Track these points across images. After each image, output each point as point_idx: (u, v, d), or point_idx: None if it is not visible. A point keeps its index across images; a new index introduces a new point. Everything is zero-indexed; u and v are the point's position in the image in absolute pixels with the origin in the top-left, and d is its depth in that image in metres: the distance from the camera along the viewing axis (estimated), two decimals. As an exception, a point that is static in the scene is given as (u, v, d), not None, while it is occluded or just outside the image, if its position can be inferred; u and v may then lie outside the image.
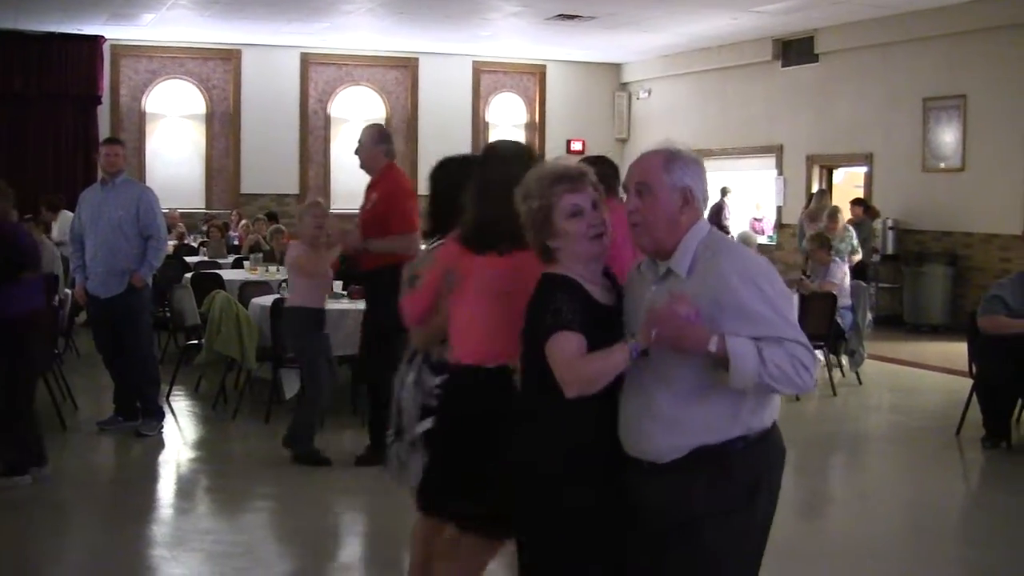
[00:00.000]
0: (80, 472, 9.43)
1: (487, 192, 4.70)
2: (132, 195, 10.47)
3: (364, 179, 9.30)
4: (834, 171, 21.51)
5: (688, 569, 3.89)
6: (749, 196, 23.34)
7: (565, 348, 3.91)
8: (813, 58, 20.94)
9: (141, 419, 10.51)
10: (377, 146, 9.31)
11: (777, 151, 22.02)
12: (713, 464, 3.85)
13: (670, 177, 3.91)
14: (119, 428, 10.45)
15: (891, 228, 18.83)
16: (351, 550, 7.74)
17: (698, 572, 3.89)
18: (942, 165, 18.22)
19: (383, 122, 24.74)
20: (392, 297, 9.00)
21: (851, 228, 16.54)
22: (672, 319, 3.72)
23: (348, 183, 23.77)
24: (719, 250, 3.92)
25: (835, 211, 16.37)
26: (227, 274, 14.02)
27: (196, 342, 11.82)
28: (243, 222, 20.67)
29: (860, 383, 13.29)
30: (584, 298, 4.04)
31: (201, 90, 23.95)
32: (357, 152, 9.39)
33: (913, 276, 17.95)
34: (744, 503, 3.89)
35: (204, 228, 20.79)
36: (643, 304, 3.94)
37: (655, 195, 3.90)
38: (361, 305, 11.26)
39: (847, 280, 13.39)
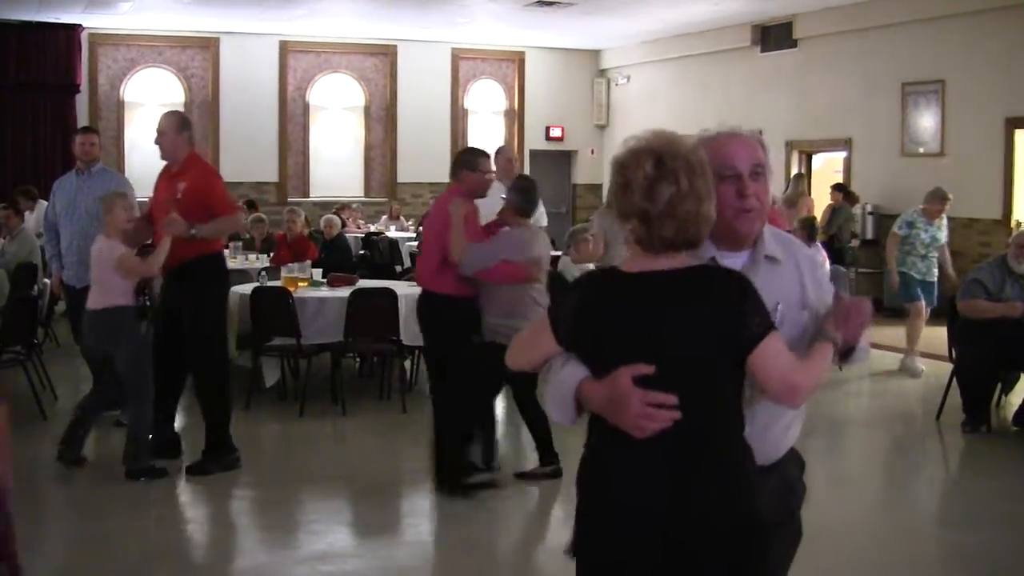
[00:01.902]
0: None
1: None
2: (108, 184, 10.35)
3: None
4: (813, 156, 21.55)
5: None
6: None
7: (785, 350, 3.39)
8: (792, 43, 20.97)
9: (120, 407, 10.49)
10: (180, 134, 9.16)
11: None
12: (795, 463, 3.83)
13: (767, 158, 3.75)
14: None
15: (870, 213, 18.86)
16: (332, 538, 7.73)
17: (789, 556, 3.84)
18: (921, 150, 18.26)
19: (362, 110, 24.76)
20: (214, 286, 9.06)
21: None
22: (867, 313, 3.53)
23: (327, 171, 23.83)
24: (779, 234, 3.79)
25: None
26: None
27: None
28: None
29: (839, 368, 13.30)
30: None
31: (180, 78, 23.88)
32: (157, 141, 9.22)
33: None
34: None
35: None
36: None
37: (766, 177, 3.70)
38: (342, 293, 11.28)
39: (827, 265, 13.41)
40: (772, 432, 3.64)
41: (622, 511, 3.37)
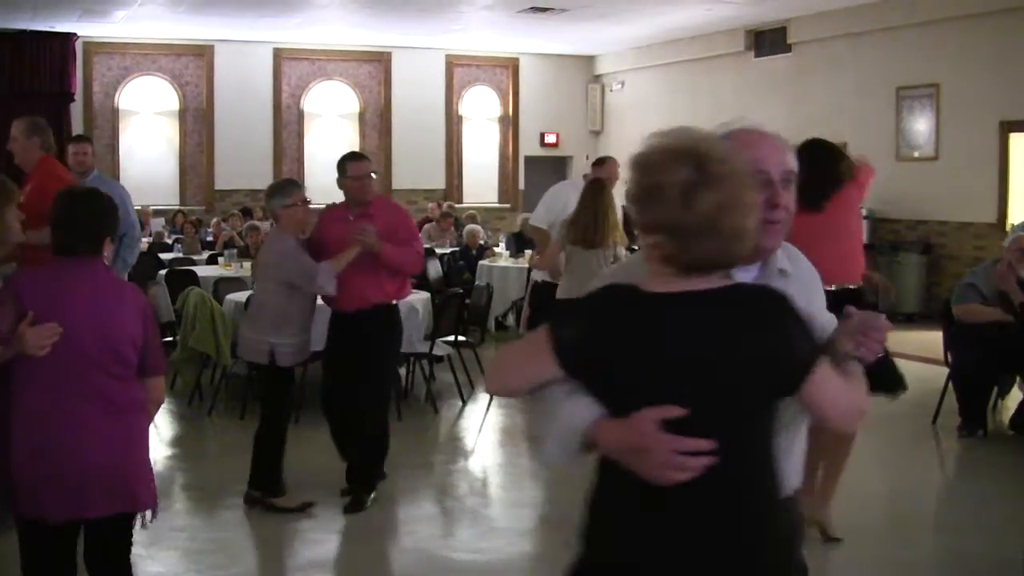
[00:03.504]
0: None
1: None
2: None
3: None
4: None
5: None
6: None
7: (835, 373, 2.98)
8: (786, 48, 20.98)
9: None
10: (31, 139, 8.94)
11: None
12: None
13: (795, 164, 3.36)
14: None
15: (866, 217, 18.84)
16: (327, 547, 7.72)
17: None
18: (915, 154, 18.26)
19: (356, 116, 24.77)
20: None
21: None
22: (885, 329, 3.12)
23: (322, 178, 23.66)
24: (784, 244, 3.40)
25: None
26: (201, 270, 14.00)
27: (171, 339, 11.77)
28: (215, 219, 20.64)
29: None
30: None
31: (174, 86, 23.87)
32: (9, 147, 9.03)
33: (887, 265, 17.98)
34: None
35: (170, 225, 20.81)
36: None
37: (795, 185, 3.32)
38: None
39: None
40: (790, 461, 3.25)
41: None
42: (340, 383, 8.46)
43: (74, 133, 21.52)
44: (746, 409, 2.87)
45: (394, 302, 8.51)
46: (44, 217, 8.16)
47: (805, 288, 3.34)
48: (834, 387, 2.94)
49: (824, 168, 7.74)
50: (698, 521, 2.85)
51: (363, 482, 8.39)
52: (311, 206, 8.47)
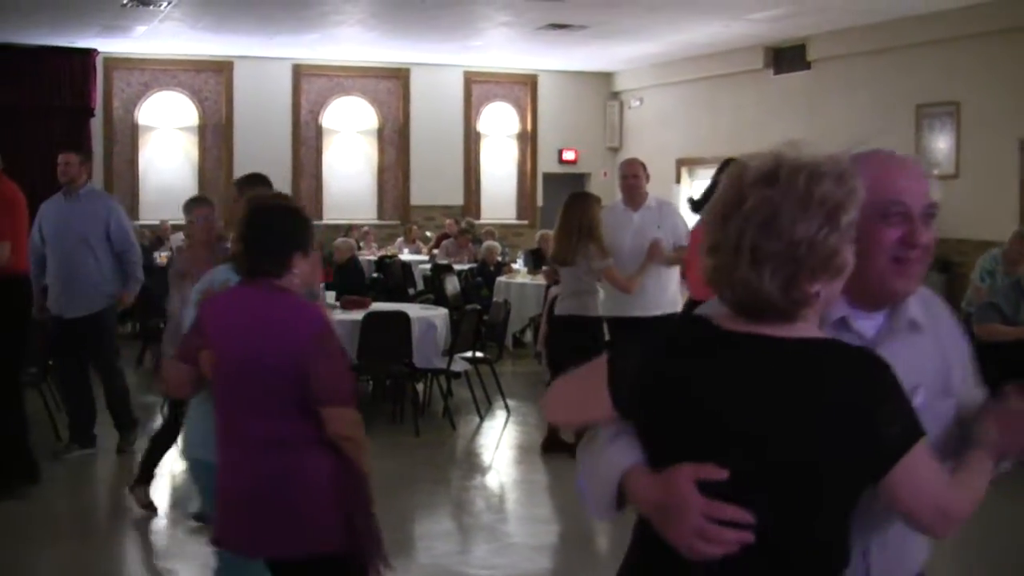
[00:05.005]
0: (74, 482, 9.40)
1: None
2: (100, 209, 10.03)
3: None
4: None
5: None
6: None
7: (934, 465, 2.51)
8: (805, 65, 20.93)
9: (119, 435, 10.35)
10: None
11: (770, 159, 21.95)
12: None
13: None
14: (78, 456, 10.12)
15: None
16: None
17: None
18: (935, 172, 18.13)
19: (375, 133, 24.77)
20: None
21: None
22: None
23: (340, 194, 23.85)
24: (921, 291, 2.92)
25: None
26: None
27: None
28: (232, 234, 20.63)
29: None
30: None
31: (194, 102, 23.90)
32: None
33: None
34: None
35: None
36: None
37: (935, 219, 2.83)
38: (355, 315, 11.28)
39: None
40: (908, 547, 2.78)
41: None
42: None
43: (93, 148, 21.73)
44: (800, 485, 2.43)
45: None
46: None
47: (940, 347, 2.83)
48: (926, 483, 2.47)
49: None
50: None
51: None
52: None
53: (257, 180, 7.38)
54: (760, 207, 2.47)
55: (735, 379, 2.45)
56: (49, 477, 9.25)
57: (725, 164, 8.08)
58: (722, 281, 2.50)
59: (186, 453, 5.34)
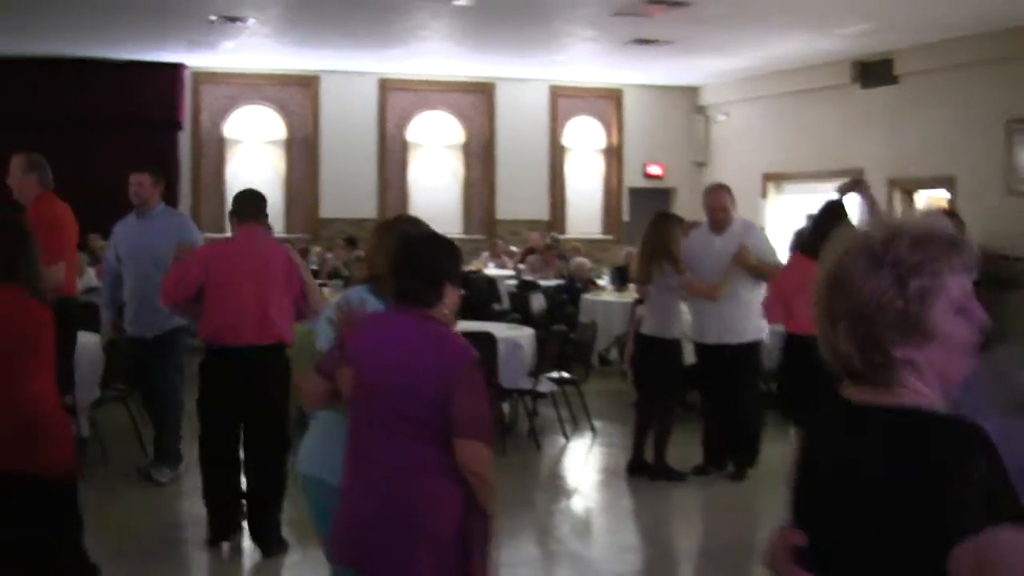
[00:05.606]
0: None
1: None
2: (173, 228, 9.89)
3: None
4: (914, 195, 21.27)
5: None
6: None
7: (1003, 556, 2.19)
8: (892, 80, 20.72)
9: (153, 463, 10.07)
10: (27, 175, 8.92)
11: (857, 175, 21.75)
12: None
13: None
14: (163, 474, 9.96)
15: (975, 252, 18.56)
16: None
17: None
18: (1026, 189, 17.97)
19: (461, 147, 24.80)
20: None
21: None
22: None
23: (426, 207, 23.82)
24: None
25: None
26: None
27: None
28: (317, 248, 20.78)
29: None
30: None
31: (280, 115, 24.09)
32: (8, 182, 9.01)
33: (996, 302, 17.68)
34: None
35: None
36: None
37: None
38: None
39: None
40: None
41: None
42: None
43: (182, 162, 21.97)
44: (863, 564, 2.33)
45: None
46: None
47: None
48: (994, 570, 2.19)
49: (833, 223, 8.01)
50: None
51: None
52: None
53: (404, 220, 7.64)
54: (841, 268, 2.44)
55: (827, 447, 2.47)
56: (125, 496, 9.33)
57: (830, 205, 8.34)
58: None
59: (301, 467, 5.32)
